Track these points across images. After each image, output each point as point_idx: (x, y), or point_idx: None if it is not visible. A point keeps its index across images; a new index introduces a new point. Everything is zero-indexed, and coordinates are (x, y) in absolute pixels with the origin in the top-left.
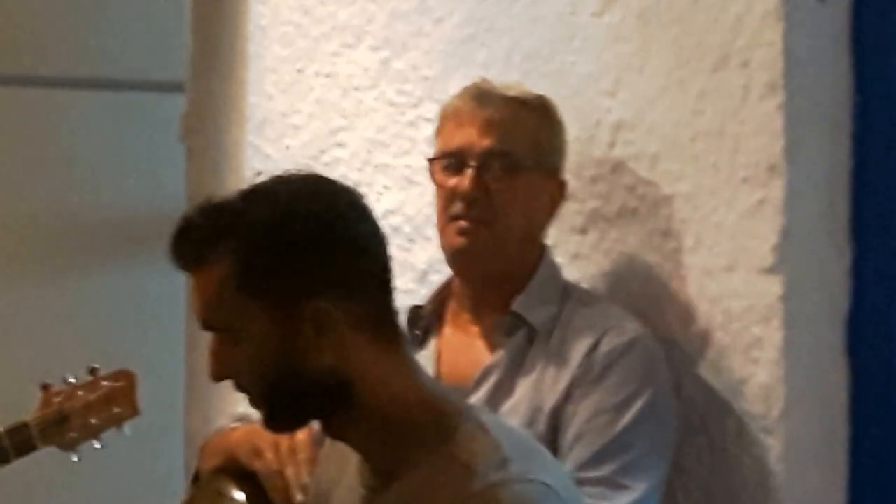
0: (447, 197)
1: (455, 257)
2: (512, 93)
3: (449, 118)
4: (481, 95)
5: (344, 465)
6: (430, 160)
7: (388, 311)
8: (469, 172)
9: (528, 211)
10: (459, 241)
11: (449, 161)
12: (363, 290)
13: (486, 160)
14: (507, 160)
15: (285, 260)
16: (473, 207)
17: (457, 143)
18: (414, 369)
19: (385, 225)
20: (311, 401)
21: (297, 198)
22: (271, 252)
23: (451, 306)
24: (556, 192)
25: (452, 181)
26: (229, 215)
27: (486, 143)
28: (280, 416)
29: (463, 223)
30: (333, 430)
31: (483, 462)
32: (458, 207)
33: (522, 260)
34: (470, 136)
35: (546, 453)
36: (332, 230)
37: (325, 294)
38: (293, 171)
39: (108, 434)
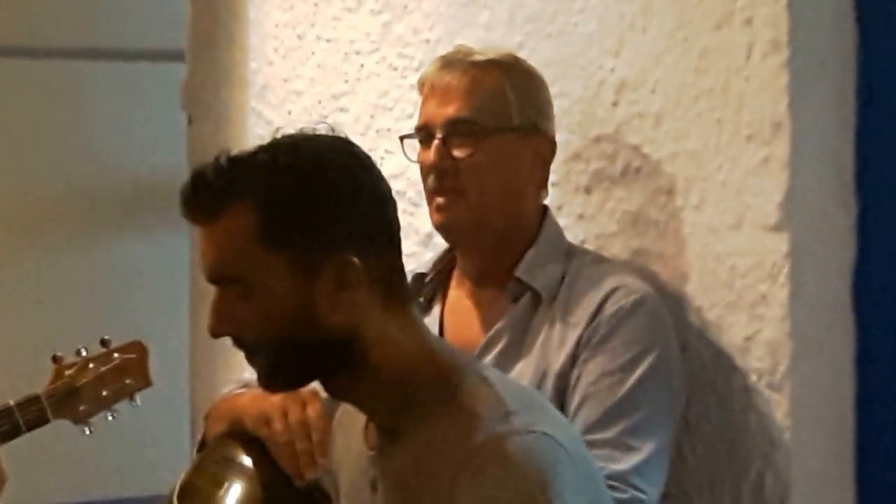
0: (423, 172)
1: (441, 232)
2: (477, 58)
3: (421, 91)
4: (446, 65)
5: (351, 432)
6: (402, 138)
7: (399, 269)
8: (435, 145)
9: (502, 174)
10: (438, 216)
11: (419, 136)
12: (380, 246)
13: (449, 130)
14: (469, 127)
15: (312, 213)
16: (444, 179)
17: (423, 117)
18: (420, 328)
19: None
20: (315, 359)
21: (321, 151)
22: (299, 203)
23: (455, 273)
24: (543, 148)
25: (423, 156)
26: (252, 167)
27: (447, 112)
28: (281, 375)
29: (439, 199)
30: (336, 389)
31: (487, 415)
32: (431, 182)
33: (517, 223)
34: (433, 108)
35: (551, 407)
36: (356, 184)
37: (348, 247)
38: (312, 129)
39: (121, 405)
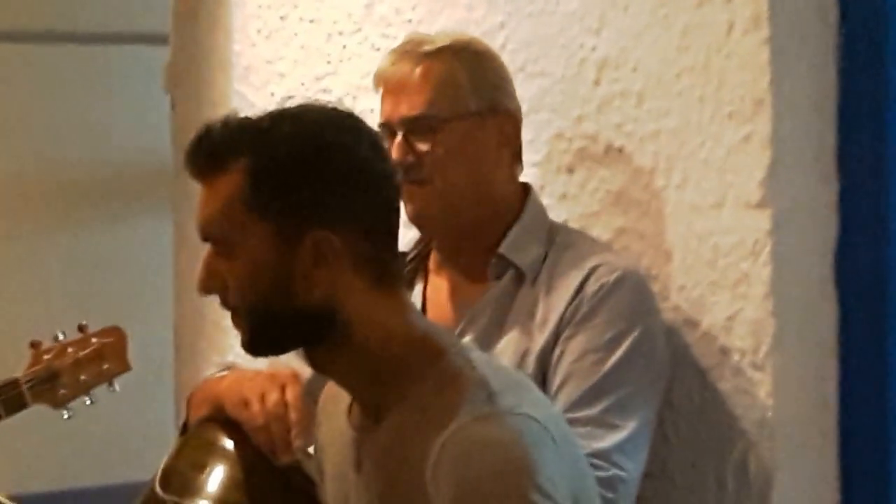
0: None
1: (414, 224)
2: (427, 48)
3: (377, 87)
4: (398, 59)
5: (335, 415)
6: None
7: (391, 253)
8: (396, 142)
9: (467, 162)
10: (409, 208)
11: (383, 132)
12: (368, 226)
13: (407, 127)
14: (424, 122)
15: (297, 184)
16: (409, 173)
17: (383, 115)
18: (408, 311)
19: None
20: (294, 329)
21: (322, 126)
22: (287, 173)
23: (436, 252)
24: (506, 125)
25: (390, 151)
26: (251, 129)
27: (402, 111)
28: (260, 340)
29: (408, 192)
30: (318, 363)
31: (470, 396)
32: (399, 176)
33: (492, 206)
34: (389, 106)
35: (535, 389)
36: (350, 162)
37: (331, 226)
38: (319, 102)
39: (100, 390)
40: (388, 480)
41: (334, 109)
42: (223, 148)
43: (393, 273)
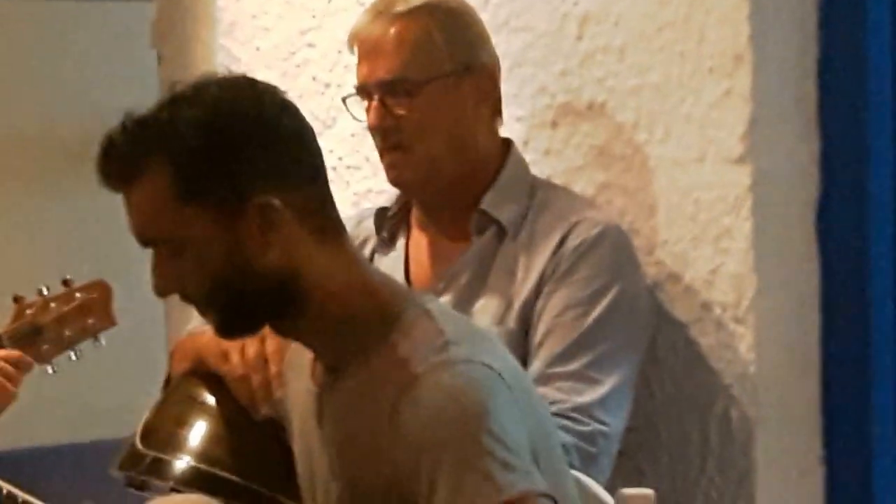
0: (370, 132)
1: (396, 187)
2: (400, 8)
3: (351, 49)
4: (372, 19)
5: (300, 371)
6: (344, 99)
7: (326, 200)
8: (373, 106)
9: (445, 123)
10: (391, 174)
11: (361, 96)
12: (300, 181)
13: (384, 91)
14: (401, 85)
15: (222, 159)
16: (388, 139)
17: (359, 78)
18: (355, 258)
19: (359, 125)
20: (260, 303)
21: (222, 99)
22: (207, 154)
23: (417, 209)
24: (483, 82)
25: (367, 115)
26: (156, 126)
27: (378, 74)
28: (231, 322)
29: (387, 157)
30: (283, 329)
31: (425, 346)
32: (377, 142)
33: (473, 164)
34: (365, 69)
35: (493, 339)
36: (261, 124)
37: (266, 188)
38: (210, 75)
39: (85, 346)
40: (348, 434)
41: (226, 79)
42: (133, 153)
43: (335, 222)
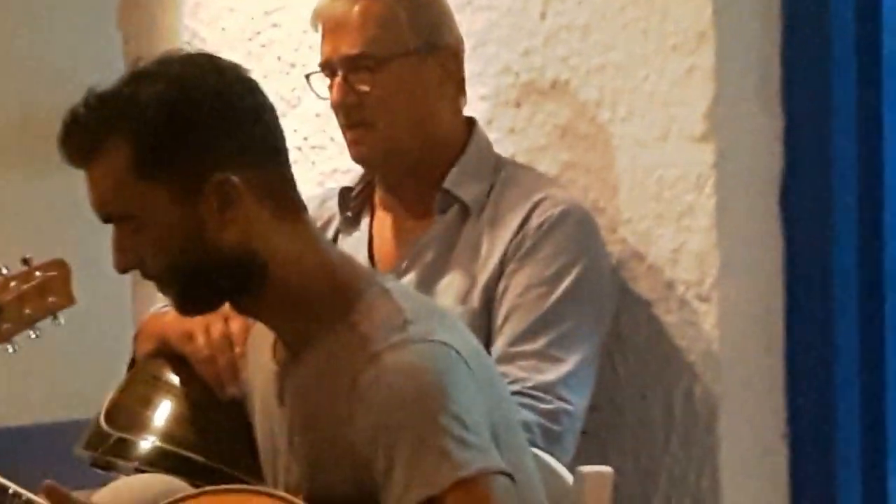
0: (333, 109)
1: (359, 164)
2: None
3: (315, 26)
4: None
5: (262, 351)
6: (307, 77)
7: (286, 179)
8: (336, 83)
9: (408, 101)
10: (353, 151)
11: (325, 73)
12: (260, 160)
13: (347, 67)
14: (365, 61)
15: (182, 137)
16: (351, 116)
17: (323, 55)
18: (315, 238)
19: (324, 105)
20: (218, 280)
21: (184, 76)
22: (167, 131)
23: (380, 187)
24: (447, 61)
25: (331, 92)
26: (117, 102)
27: (342, 50)
28: (191, 299)
29: (350, 134)
30: (243, 308)
31: (384, 325)
32: (341, 119)
33: (436, 142)
34: (329, 46)
35: (452, 318)
36: (222, 102)
37: (226, 165)
38: (174, 52)
39: (45, 324)
40: (308, 413)
41: (189, 56)
42: (95, 128)
43: (295, 202)
